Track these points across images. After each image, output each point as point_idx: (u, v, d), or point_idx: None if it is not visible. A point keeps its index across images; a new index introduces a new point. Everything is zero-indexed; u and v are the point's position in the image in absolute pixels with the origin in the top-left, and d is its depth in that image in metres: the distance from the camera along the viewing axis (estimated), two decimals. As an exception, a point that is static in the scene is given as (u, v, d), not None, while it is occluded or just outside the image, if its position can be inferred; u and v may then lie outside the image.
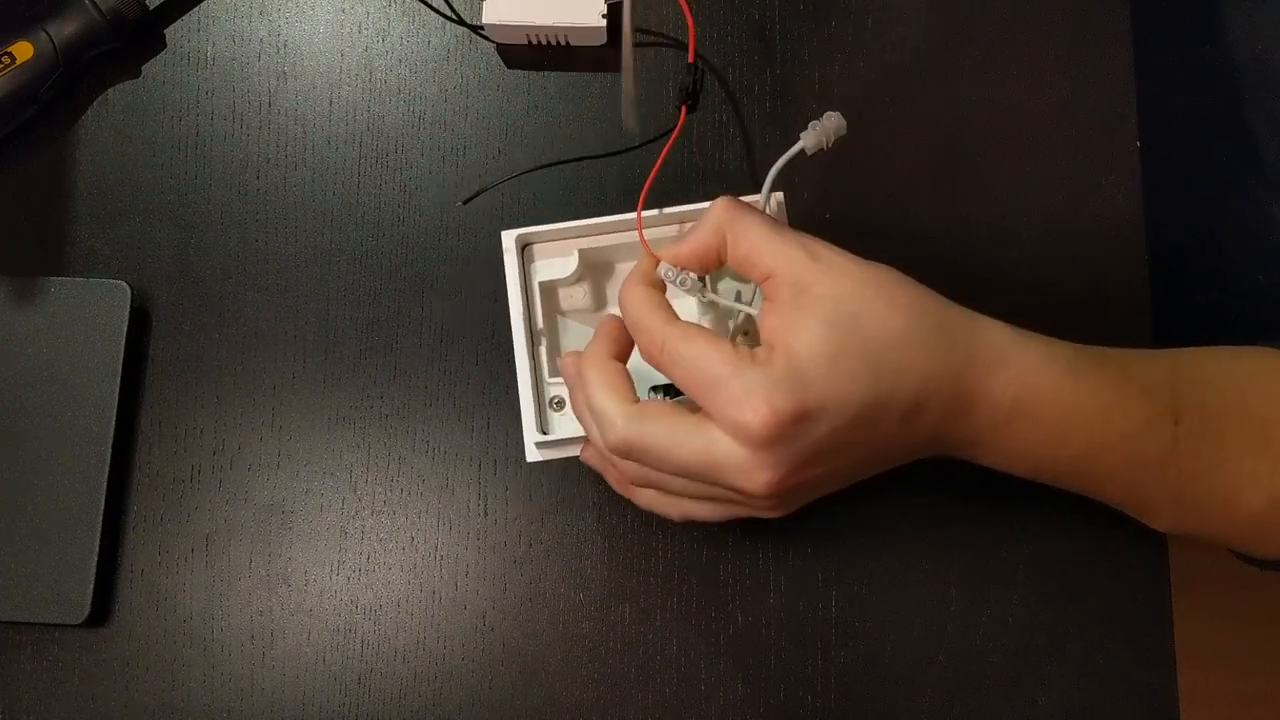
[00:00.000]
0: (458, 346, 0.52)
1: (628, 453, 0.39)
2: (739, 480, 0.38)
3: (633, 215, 0.42)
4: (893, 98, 0.54)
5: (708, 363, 0.38)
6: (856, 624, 0.50)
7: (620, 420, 0.39)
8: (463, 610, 0.50)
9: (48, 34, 0.52)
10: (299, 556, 0.51)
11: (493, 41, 0.54)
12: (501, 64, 0.54)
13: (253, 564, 0.51)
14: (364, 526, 0.51)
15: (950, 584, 0.50)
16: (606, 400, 0.40)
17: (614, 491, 0.49)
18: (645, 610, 0.50)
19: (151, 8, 0.54)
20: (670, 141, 0.43)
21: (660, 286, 0.42)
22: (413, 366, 0.52)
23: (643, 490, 0.44)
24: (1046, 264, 0.53)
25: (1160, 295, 0.52)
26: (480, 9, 0.52)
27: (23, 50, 0.51)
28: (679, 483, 0.41)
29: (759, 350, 0.39)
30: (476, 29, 0.54)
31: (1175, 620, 0.50)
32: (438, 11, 0.54)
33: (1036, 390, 0.40)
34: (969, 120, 0.53)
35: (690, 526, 0.50)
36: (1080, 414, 0.41)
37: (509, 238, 0.45)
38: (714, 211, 0.41)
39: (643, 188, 0.42)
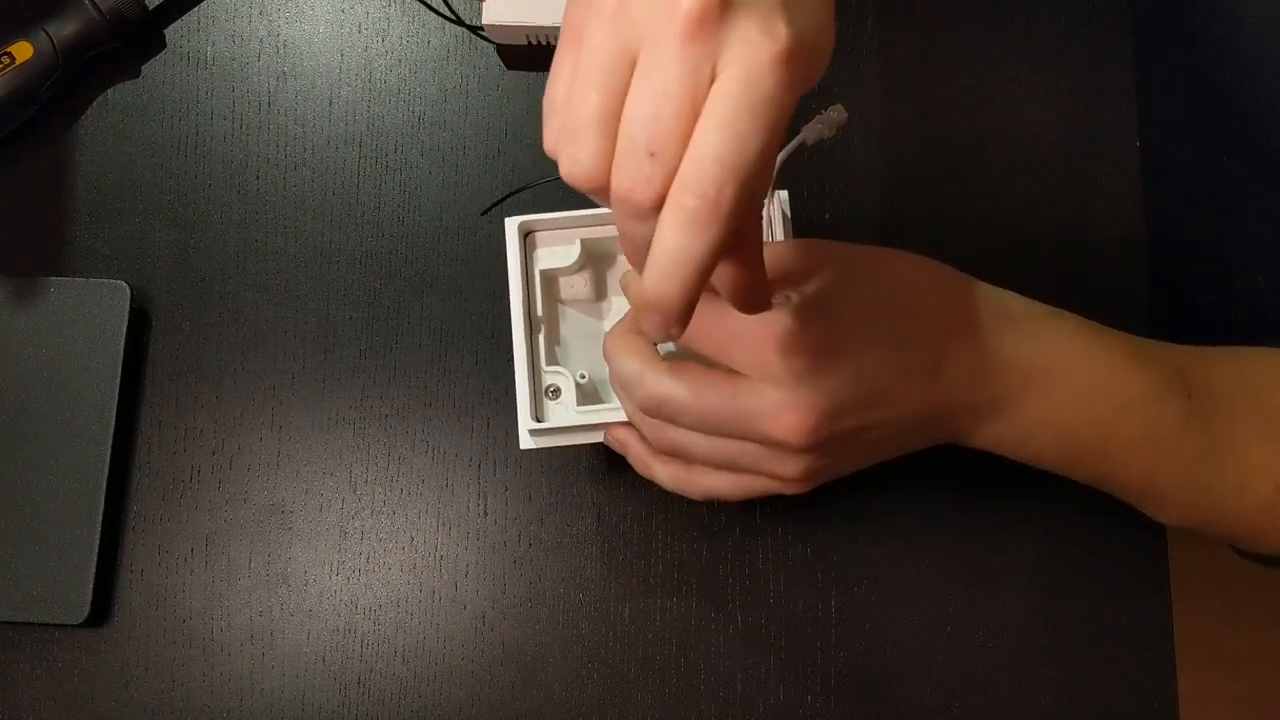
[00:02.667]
0: (457, 346, 0.52)
1: (657, 409, 0.39)
2: (769, 426, 0.38)
3: None
4: (892, 99, 0.54)
5: (727, 311, 0.38)
6: (856, 624, 0.50)
7: (649, 376, 0.39)
8: (462, 610, 0.50)
9: (47, 34, 0.52)
10: (299, 556, 0.51)
11: (492, 42, 0.54)
12: (501, 64, 0.54)
13: (252, 564, 0.51)
14: (363, 526, 0.51)
15: (950, 584, 0.50)
16: (633, 362, 0.40)
17: (614, 491, 0.49)
18: (645, 610, 0.50)
19: (151, 8, 0.54)
20: None
21: None
22: (412, 366, 0.52)
23: (664, 467, 0.43)
24: (1046, 264, 0.53)
25: (1160, 295, 0.52)
26: (480, 9, 0.52)
27: (22, 50, 0.51)
28: (705, 444, 0.40)
29: (775, 298, 0.39)
30: (476, 30, 0.54)
31: (1175, 620, 0.50)
32: (437, 12, 0.54)
33: (1051, 349, 0.41)
34: (969, 121, 0.54)
35: (691, 525, 0.50)
36: (1095, 374, 0.41)
37: (512, 225, 0.45)
38: None
39: None
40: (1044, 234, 0.53)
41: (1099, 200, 0.53)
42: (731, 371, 0.38)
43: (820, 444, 0.38)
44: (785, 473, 0.40)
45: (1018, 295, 0.42)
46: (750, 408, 0.38)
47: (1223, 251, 0.61)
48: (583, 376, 0.46)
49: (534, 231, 0.46)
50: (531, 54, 0.54)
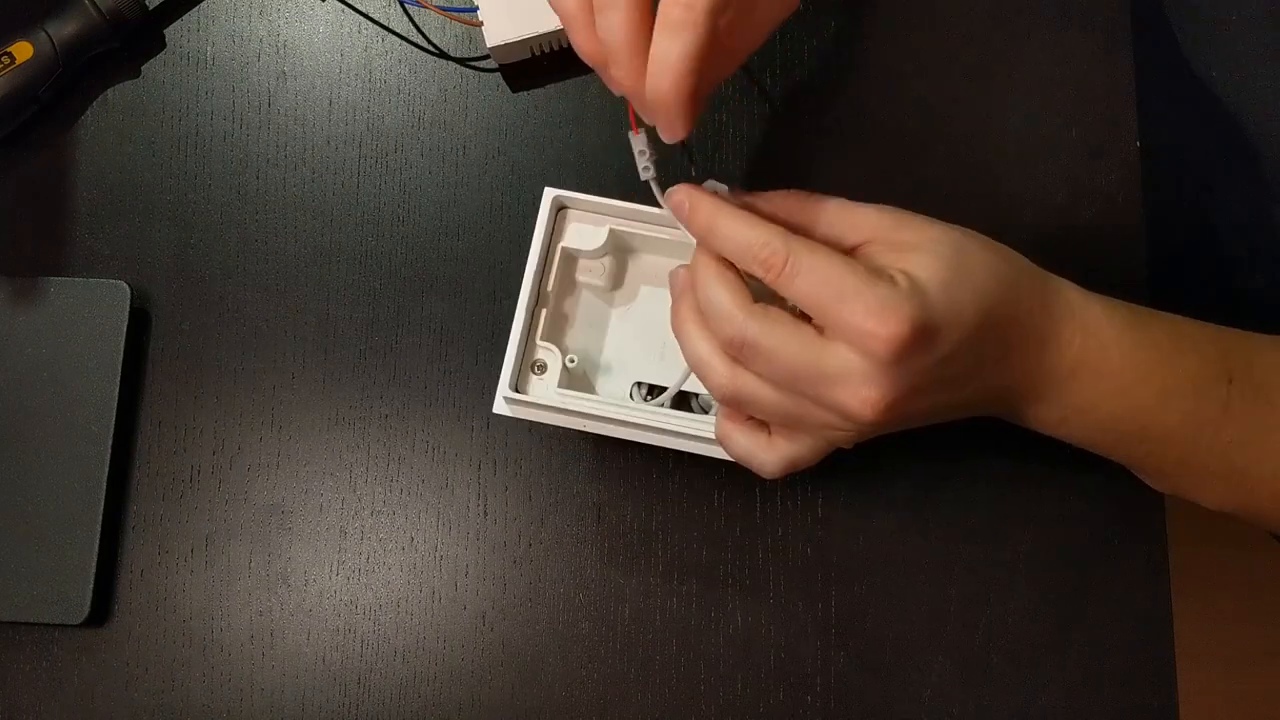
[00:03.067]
0: (457, 346, 0.52)
1: (740, 349, 0.39)
2: (846, 395, 0.38)
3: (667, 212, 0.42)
4: (892, 98, 0.54)
5: (841, 274, 0.37)
6: (856, 624, 0.50)
7: (740, 314, 0.39)
8: (462, 610, 0.50)
9: (48, 34, 0.52)
10: (299, 556, 0.51)
11: (495, 67, 0.54)
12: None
13: (252, 564, 0.51)
14: (364, 526, 0.51)
15: (950, 584, 0.50)
16: (724, 295, 0.39)
17: (614, 491, 0.49)
18: (645, 610, 0.50)
19: (151, 8, 0.54)
20: None
21: None
22: (412, 366, 0.52)
23: (737, 437, 0.43)
24: (1047, 264, 0.53)
25: (1160, 295, 0.52)
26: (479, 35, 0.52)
27: (23, 50, 0.51)
28: (774, 399, 0.40)
29: (880, 271, 0.39)
30: (475, 63, 0.53)
31: (1175, 620, 0.50)
32: (438, 54, 0.54)
33: (1100, 341, 0.41)
34: (968, 121, 0.53)
35: (691, 525, 0.50)
36: (1139, 366, 0.42)
37: (549, 195, 0.45)
38: (779, 195, 0.41)
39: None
40: (1044, 233, 0.53)
41: (1099, 200, 0.53)
42: (821, 329, 0.38)
43: (888, 421, 0.39)
44: (842, 437, 0.40)
45: (1077, 286, 0.43)
46: (832, 370, 0.38)
47: (1223, 251, 0.61)
48: (572, 360, 0.46)
49: (566, 208, 0.46)
50: (533, 68, 0.53)
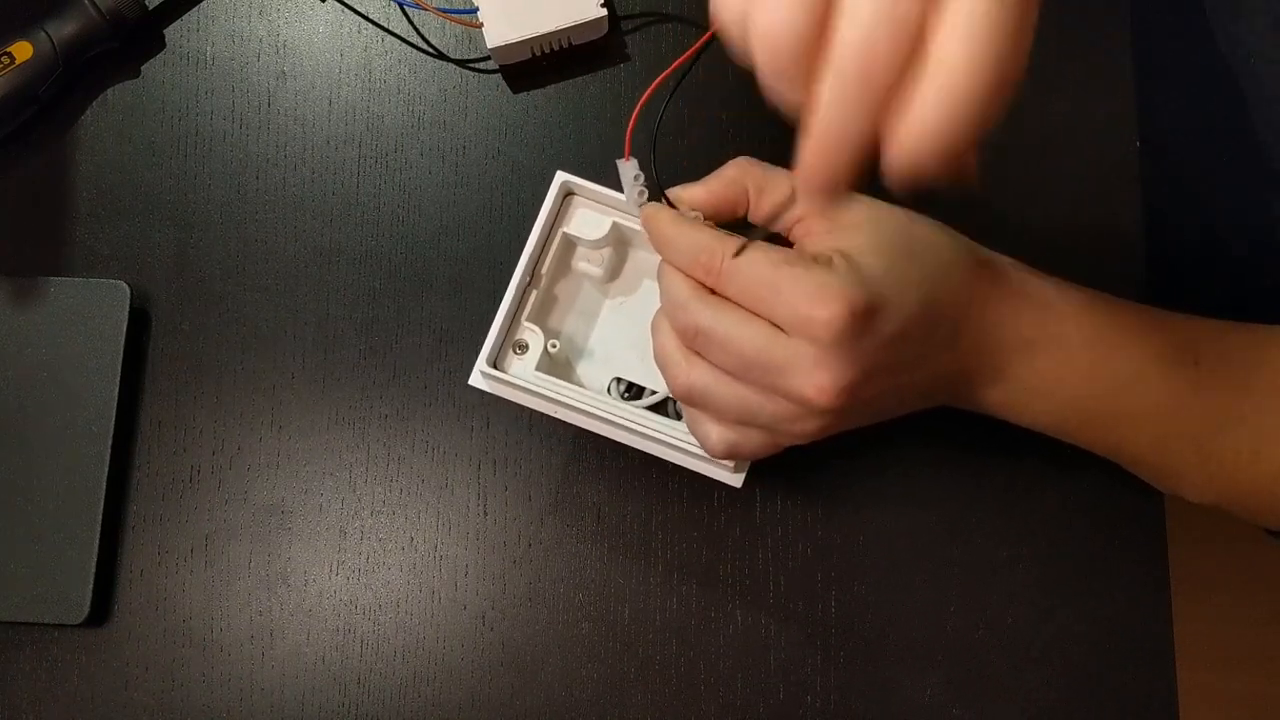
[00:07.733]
0: (457, 346, 0.52)
1: (695, 336, 0.39)
2: (800, 382, 0.37)
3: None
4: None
5: (775, 265, 0.37)
6: (856, 624, 0.50)
7: (695, 302, 0.39)
8: (462, 610, 0.50)
9: (47, 34, 0.52)
10: (298, 557, 0.51)
11: (496, 68, 0.54)
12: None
13: (252, 564, 0.51)
14: (363, 526, 0.51)
15: (950, 584, 0.50)
16: (681, 285, 0.39)
17: (614, 491, 0.49)
18: (645, 610, 0.50)
19: (151, 8, 0.54)
20: (683, 58, 0.43)
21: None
22: (412, 366, 0.52)
23: (698, 416, 0.43)
24: (1045, 265, 0.53)
25: (1160, 295, 0.52)
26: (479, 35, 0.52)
27: (22, 50, 0.51)
28: (729, 395, 0.39)
29: (817, 256, 0.38)
30: (475, 64, 0.54)
31: (1175, 620, 0.50)
32: (437, 55, 0.54)
33: (1059, 316, 0.41)
34: (969, 120, 0.53)
35: (691, 525, 0.50)
36: (1102, 344, 0.41)
37: (559, 178, 0.45)
38: (731, 168, 0.41)
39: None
40: (1042, 233, 0.53)
41: (1099, 199, 0.53)
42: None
43: (844, 407, 0.38)
44: (799, 430, 0.40)
45: (1030, 268, 0.43)
46: (784, 358, 0.37)
47: (1222, 252, 0.61)
48: (553, 345, 0.46)
49: (574, 194, 0.46)
50: (533, 68, 0.53)
